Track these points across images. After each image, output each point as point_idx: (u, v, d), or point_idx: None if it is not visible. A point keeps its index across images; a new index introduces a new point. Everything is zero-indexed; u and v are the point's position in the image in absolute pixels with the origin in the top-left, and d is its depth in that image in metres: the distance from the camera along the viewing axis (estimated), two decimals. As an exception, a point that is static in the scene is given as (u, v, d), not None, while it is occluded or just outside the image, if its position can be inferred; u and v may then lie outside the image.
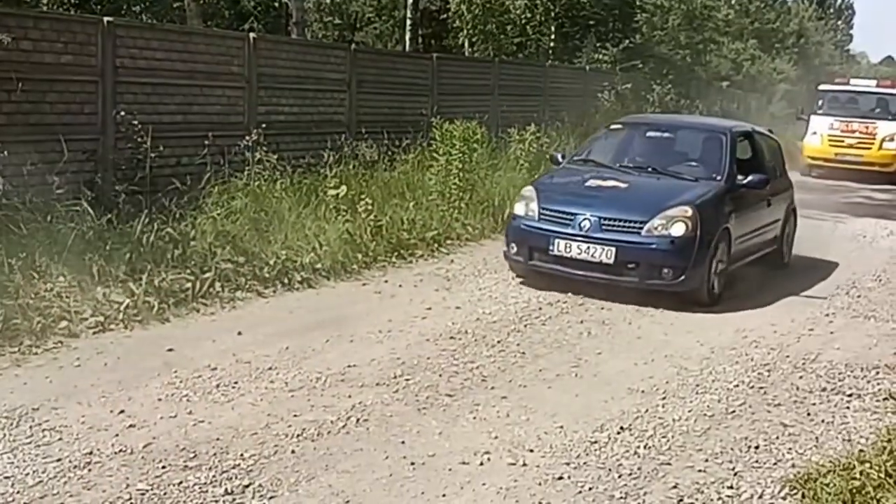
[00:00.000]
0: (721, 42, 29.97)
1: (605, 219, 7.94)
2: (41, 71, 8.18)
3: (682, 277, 7.80)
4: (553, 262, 8.10)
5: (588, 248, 7.90)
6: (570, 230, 8.00)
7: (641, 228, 7.89)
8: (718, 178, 8.63)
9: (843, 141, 21.04)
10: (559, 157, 9.83)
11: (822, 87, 23.00)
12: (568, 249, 7.97)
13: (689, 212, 7.93)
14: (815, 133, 21.52)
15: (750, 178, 8.70)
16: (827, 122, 21.42)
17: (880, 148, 20.80)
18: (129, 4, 18.99)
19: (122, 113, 8.77)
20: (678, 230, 7.85)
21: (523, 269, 8.51)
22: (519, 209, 8.58)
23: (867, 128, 21.01)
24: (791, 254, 10.31)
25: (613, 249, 7.81)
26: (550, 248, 8.05)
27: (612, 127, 10.20)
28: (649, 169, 8.94)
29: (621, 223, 7.93)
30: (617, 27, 23.72)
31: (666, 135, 9.86)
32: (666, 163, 9.07)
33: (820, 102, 22.31)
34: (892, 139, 20.80)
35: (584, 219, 7.97)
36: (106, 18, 9.08)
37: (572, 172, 9.18)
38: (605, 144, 9.79)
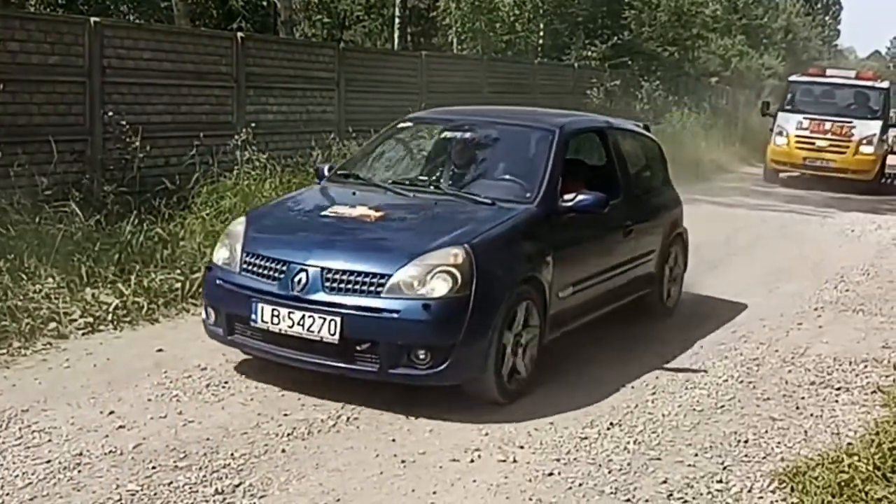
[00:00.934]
0: (709, 38, 30.04)
1: (329, 270, 5.10)
2: (28, 72, 8.15)
3: (445, 364, 5.01)
4: (259, 339, 5.31)
5: (302, 317, 5.07)
6: (278, 289, 5.18)
7: (383, 286, 5.04)
8: (529, 198, 5.80)
9: (812, 143, 18.02)
10: (325, 169, 6.78)
11: (792, 78, 20.16)
12: (275, 320, 5.14)
13: (459, 257, 5.07)
14: (781, 133, 18.49)
15: (580, 197, 5.82)
16: (795, 120, 18.42)
17: (856, 152, 17.80)
18: (117, 4, 18.92)
19: (110, 113, 8.76)
20: (439, 287, 5.01)
21: (229, 345, 5.64)
22: (219, 254, 5.67)
23: (841, 128, 17.97)
24: (680, 294, 7.80)
25: (338, 320, 4.99)
26: (253, 316, 5.21)
27: (400, 125, 7.10)
28: (432, 187, 6.16)
29: (353, 278, 5.07)
30: (606, 24, 23.75)
31: (468, 135, 6.66)
32: (461, 177, 6.30)
33: (789, 96, 19.24)
34: (869, 142, 17.82)
35: (300, 270, 5.14)
36: (93, 19, 9.06)
37: (316, 195, 6.36)
38: (385, 150, 6.95)
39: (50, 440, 4.56)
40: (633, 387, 5.75)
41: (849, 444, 4.83)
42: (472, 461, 4.55)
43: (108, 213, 7.99)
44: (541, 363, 5.69)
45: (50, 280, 6.75)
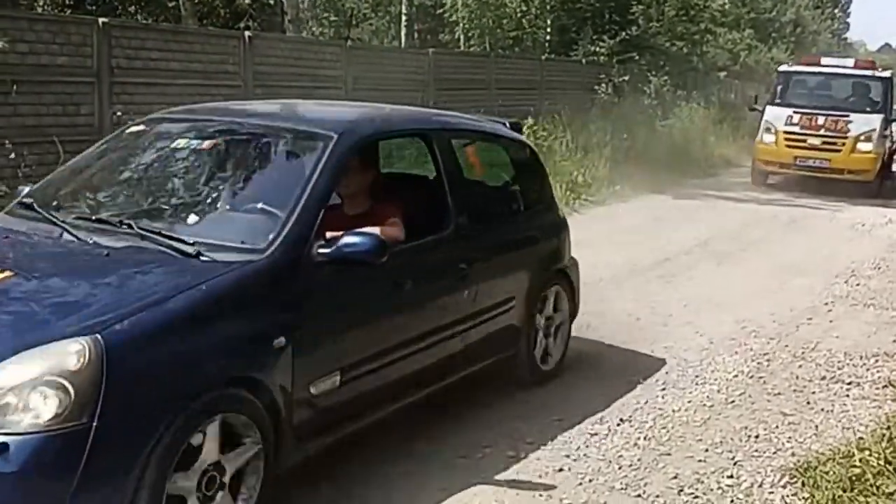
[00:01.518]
0: (717, 32, 29.95)
1: None
2: (37, 73, 8.20)
3: None
4: None
5: None
6: None
7: None
8: (261, 245, 3.73)
9: (804, 140, 16.10)
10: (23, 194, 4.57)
11: (782, 68, 18.35)
12: None
13: (78, 357, 3.01)
14: (769, 129, 16.59)
15: (344, 241, 3.86)
16: (784, 115, 16.50)
17: (853, 150, 15.87)
18: (125, 5, 18.98)
19: (119, 113, 8.79)
20: (39, 411, 2.98)
21: None
22: None
23: (836, 123, 16.04)
24: (565, 351, 5.88)
25: None
26: None
27: (133, 128, 4.92)
28: (125, 224, 3.90)
29: None
30: (613, 19, 23.66)
31: (205, 145, 4.53)
32: (182, 207, 4.19)
33: (779, 88, 17.32)
34: (868, 139, 15.88)
35: None
36: (101, 19, 9.11)
37: None
38: (101, 166, 4.75)
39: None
40: (642, 382, 5.74)
41: (860, 438, 4.82)
42: (481, 457, 4.55)
43: (118, 213, 8.00)
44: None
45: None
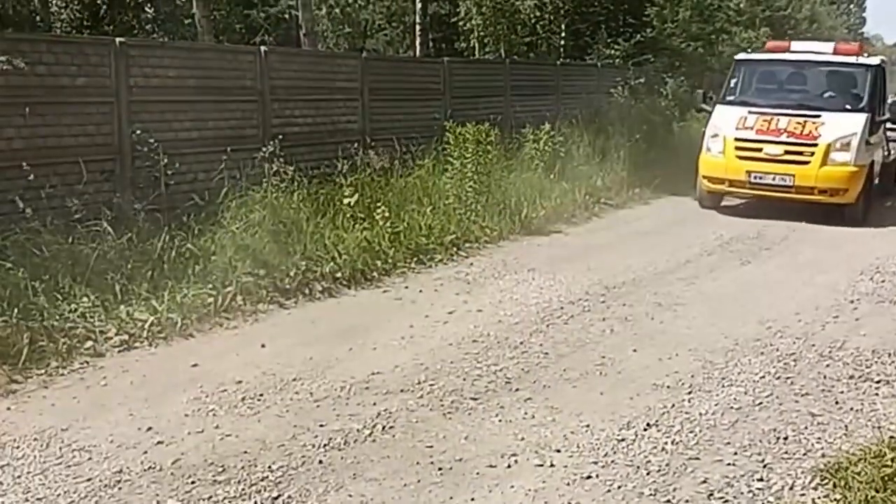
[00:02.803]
0: (733, 31, 29.84)
1: None
2: (56, 94, 8.24)
3: None
4: None
5: None
6: None
7: None
8: None
9: (759, 149, 12.25)
10: None
11: (740, 56, 14.51)
12: None
13: None
14: (715, 135, 12.77)
15: None
16: (737, 117, 12.71)
17: (825, 162, 11.93)
18: (141, 24, 19.14)
19: (138, 132, 8.83)
20: None
21: None
22: None
23: (803, 126, 12.18)
24: None
25: None
26: None
27: None
28: None
29: None
30: (628, 21, 23.63)
31: None
32: None
33: (734, 82, 13.63)
34: (845, 146, 12.02)
35: None
36: (118, 39, 9.15)
37: None
38: None
39: (90, 458, 4.61)
40: (668, 386, 5.71)
41: (891, 437, 4.78)
42: (508, 467, 4.54)
43: (140, 231, 8.05)
44: (571, 362, 5.66)
45: (85, 299, 6.82)
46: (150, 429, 4.96)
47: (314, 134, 11.46)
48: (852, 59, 13.23)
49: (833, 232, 11.56)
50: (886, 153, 14.17)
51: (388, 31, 27.37)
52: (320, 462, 4.57)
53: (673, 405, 5.39)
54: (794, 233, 11.45)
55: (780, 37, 39.39)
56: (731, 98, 13.36)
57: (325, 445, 4.76)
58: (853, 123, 12.22)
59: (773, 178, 12.17)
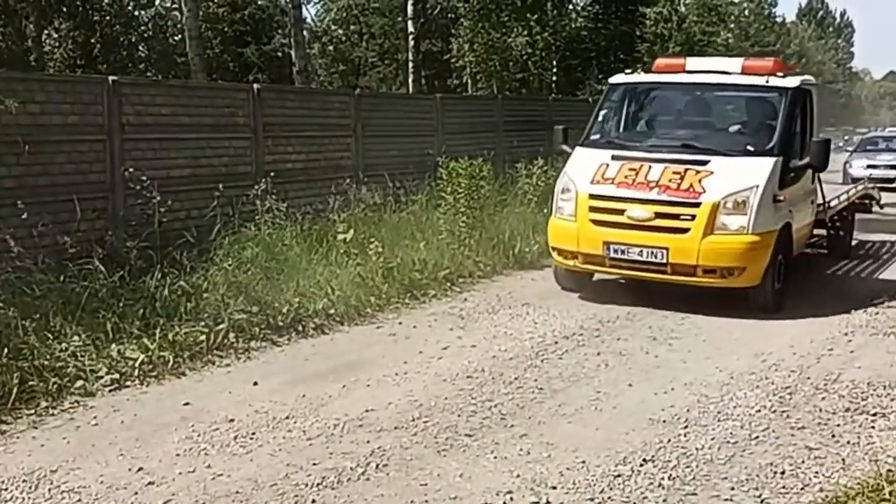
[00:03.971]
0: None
1: None
2: (49, 132, 8.27)
3: None
4: None
5: None
6: None
7: None
8: None
9: (620, 211, 8.75)
10: None
11: (615, 79, 10.54)
12: None
13: None
14: (567, 190, 9.22)
15: None
16: (596, 164, 9.13)
17: (710, 229, 8.45)
18: (135, 62, 19.24)
19: (131, 169, 8.85)
20: None
21: None
22: None
23: (683, 176, 8.66)
24: None
25: None
26: None
27: None
28: None
29: None
30: (619, 57, 23.80)
31: None
32: None
33: (602, 115, 10.08)
34: (740, 205, 8.46)
35: None
36: (111, 77, 9.19)
37: None
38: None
39: (79, 500, 4.54)
40: (664, 420, 5.67)
41: (888, 471, 4.73)
42: (504, 504, 4.49)
43: (132, 269, 8.03)
44: (566, 397, 5.63)
45: (76, 338, 6.77)
46: (140, 469, 4.90)
47: (307, 170, 11.49)
48: (761, 82, 9.38)
49: (824, 263, 11.53)
50: (822, 206, 10.48)
51: (381, 69, 27.55)
52: (313, 501, 4.52)
53: (669, 440, 5.35)
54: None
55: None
56: (595, 137, 9.65)
57: (318, 484, 4.71)
58: (755, 172, 8.59)
59: (640, 253, 8.55)
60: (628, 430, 5.49)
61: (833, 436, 5.47)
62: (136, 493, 4.60)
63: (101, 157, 8.75)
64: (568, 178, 9.28)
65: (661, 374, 6.67)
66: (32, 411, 5.79)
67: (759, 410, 5.90)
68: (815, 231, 11.01)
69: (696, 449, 5.22)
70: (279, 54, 22.54)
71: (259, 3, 23.87)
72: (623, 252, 8.67)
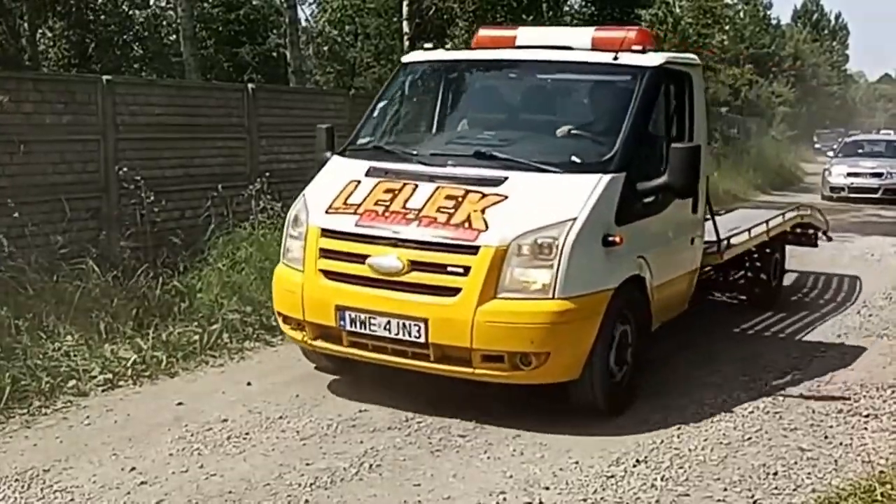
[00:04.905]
0: (718, 68, 30.12)
1: None
2: (43, 132, 8.24)
3: None
4: None
5: None
6: None
7: None
8: None
9: (361, 258, 5.59)
10: None
11: (410, 56, 7.46)
12: None
13: None
14: (297, 221, 6.11)
15: None
16: (345, 179, 6.12)
17: (493, 290, 5.27)
18: (129, 62, 19.21)
19: (125, 169, 8.82)
20: None
21: None
22: None
23: (459, 201, 5.56)
24: None
25: None
26: None
27: None
28: None
29: None
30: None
31: None
32: None
33: (382, 107, 7.16)
34: (543, 252, 5.30)
35: None
36: (105, 77, 9.17)
37: None
38: None
39: (72, 499, 4.54)
40: (657, 422, 5.67)
41: (881, 472, 4.75)
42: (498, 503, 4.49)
43: (125, 269, 8.01)
44: (563, 400, 5.63)
45: (69, 338, 6.77)
46: (133, 469, 4.89)
47: (302, 171, 11.44)
48: (602, 60, 6.39)
49: (819, 266, 11.52)
50: (716, 245, 7.47)
51: (377, 69, 27.51)
52: (306, 501, 4.52)
53: (662, 441, 5.36)
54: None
55: (765, 74, 39.04)
56: (363, 140, 6.76)
57: (311, 484, 4.70)
58: (572, 197, 5.59)
59: (388, 326, 5.51)
60: (622, 432, 5.49)
61: (826, 437, 5.49)
62: (129, 493, 4.59)
63: (95, 156, 8.72)
64: (304, 202, 6.19)
65: (654, 377, 6.62)
66: (25, 411, 5.77)
67: (751, 411, 5.92)
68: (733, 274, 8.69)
69: (689, 450, 5.22)
70: (274, 54, 22.51)
71: (254, 3, 23.85)
72: (363, 324, 5.58)
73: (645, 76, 6.25)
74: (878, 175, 20.81)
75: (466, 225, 5.45)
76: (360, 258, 5.62)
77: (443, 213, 5.56)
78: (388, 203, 5.76)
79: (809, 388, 6.43)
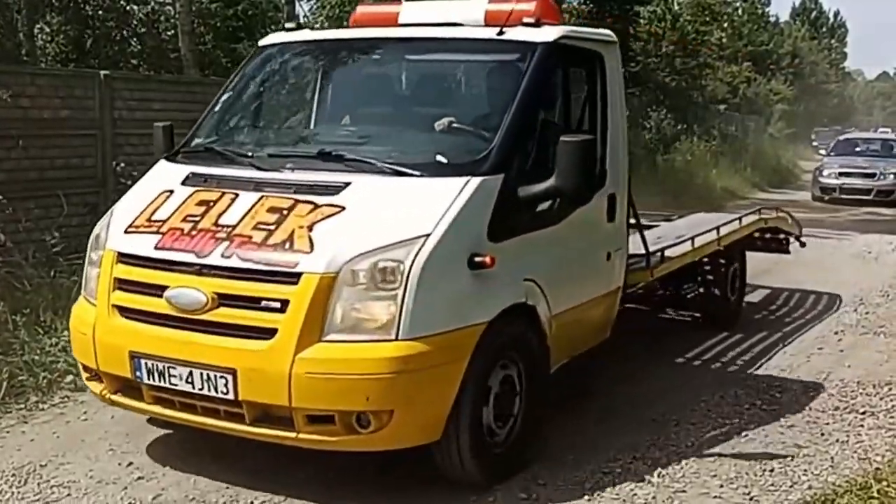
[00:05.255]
0: (716, 66, 30.14)
1: None
2: (40, 126, 8.23)
3: None
4: None
5: None
6: None
7: None
8: None
9: (159, 290, 4.37)
10: None
11: (266, 40, 6.13)
12: None
13: None
14: (97, 246, 4.90)
15: None
16: (158, 189, 4.94)
17: (319, 330, 4.07)
18: (127, 57, 19.15)
19: (122, 164, 8.81)
20: None
21: None
22: None
23: (284, 215, 4.36)
24: None
25: None
26: None
27: None
28: None
29: None
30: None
31: None
32: None
33: (227, 99, 6.00)
34: (387, 279, 4.10)
35: None
36: (103, 72, 9.17)
37: None
38: None
39: (69, 494, 4.54)
40: (654, 419, 5.67)
41: (877, 469, 4.76)
42: (493, 500, 4.49)
43: (123, 264, 7.99)
44: (557, 395, 5.63)
45: (66, 333, 6.74)
46: (130, 464, 4.89)
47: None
48: (494, 34, 5.21)
49: (817, 264, 11.51)
50: (645, 258, 6.34)
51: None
52: (309, 496, 4.51)
53: (659, 437, 5.36)
54: (777, 265, 11.14)
55: (763, 71, 38.94)
56: (200, 139, 5.70)
57: (312, 480, 4.70)
58: (427, 208, 4.40)
59: (189, 379, 4.33)
60: (619, 429, 5.49)
61: (822, 434, 5.50)
62: (126, 488, 4.59)
63: (93, 151, 8.72)
64: (109, 219, 5.00)
65: (651, 373, 6.64)
66: (22, 406, 5.78)
67: (748, 408, 5.93)
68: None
69: (686, 446, 5.23)
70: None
71: (252, -2, 23.83)
72: (161, 375, 4.39)
73: (535, 54, 5.02)
74: (871, 176, 20.16)
75: (287, 246, 4.21)
76: (159, 290, 4.36)
77: (260, 230, 4.33)
78: (198, 219, 4.52)
79: (806, 385, 6.44)
